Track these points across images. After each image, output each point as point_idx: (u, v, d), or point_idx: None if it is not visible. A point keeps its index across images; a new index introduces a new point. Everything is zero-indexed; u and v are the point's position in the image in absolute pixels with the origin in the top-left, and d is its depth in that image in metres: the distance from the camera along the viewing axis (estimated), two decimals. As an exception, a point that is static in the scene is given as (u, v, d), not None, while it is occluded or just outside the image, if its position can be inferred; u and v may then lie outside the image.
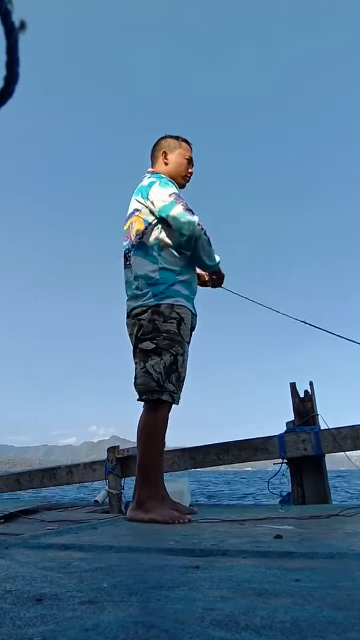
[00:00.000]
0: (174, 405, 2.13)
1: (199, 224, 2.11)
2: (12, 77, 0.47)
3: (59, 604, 0.67)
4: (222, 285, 2.49)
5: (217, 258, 2.28)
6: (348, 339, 2.69)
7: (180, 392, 2.15)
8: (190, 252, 2.18)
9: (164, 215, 2.14)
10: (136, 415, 2.16)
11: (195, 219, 2.11)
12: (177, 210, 2.11)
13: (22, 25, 0.44)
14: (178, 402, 2.13)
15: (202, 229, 2.13)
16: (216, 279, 2.42)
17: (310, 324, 2.75)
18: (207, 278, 2.48)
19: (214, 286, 2.48)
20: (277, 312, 2.74)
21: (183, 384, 2.16)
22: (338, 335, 2.76)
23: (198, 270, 2.39)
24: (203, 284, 2.47)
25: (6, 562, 1.04)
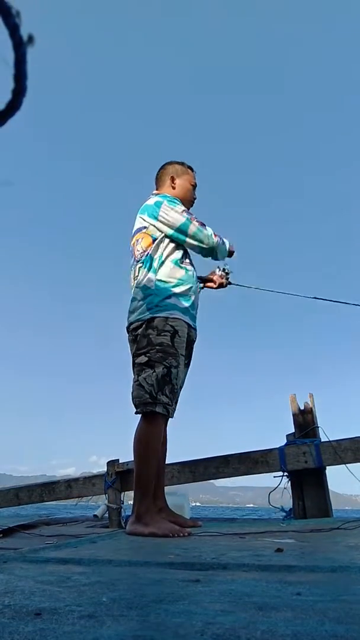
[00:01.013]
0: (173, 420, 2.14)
1: (215, 235, 2.31)
2: (20, 90, 0.48)
3: (58, 618, 0.67)
4: (231, 282, 2.59)
5: (227, 245, 2.41)
6: None
7: (175, 404, 2.16)
8: (213, 258, 2.41)
9: (181, 232, 2.25)
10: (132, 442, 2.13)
11: (210, 231, 2.30)
12: (194, 227, 2.26)
13: (30, 38, 0.45)
14: (173, 414, 2.14)
15: (220, 238, 2.34)
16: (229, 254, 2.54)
17: (322, 299, 2.74)
18: (222, 280, 2.56)
19: (220, 287, 2.56)
20: (287, 293, 2.79)
21: (178, 397, 2.18)
22: (353, 304, 2.70)
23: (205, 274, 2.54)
24: (219, 286, 2.58)
25: (5, 576, 1.03)
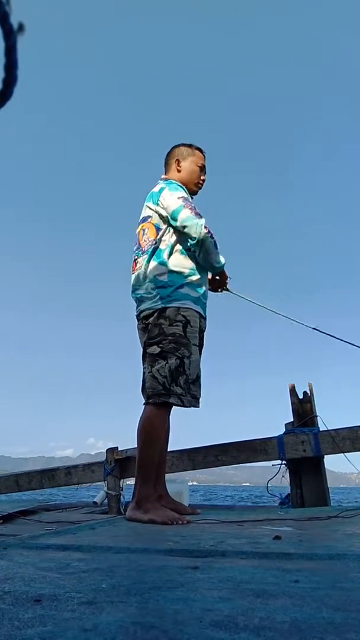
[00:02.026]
0: (188, 408, 2.14)
1: (205, 227, 2.17)
2: (11, 79, 0.47)
3: (58, 604, 0.67)
4: (228, 289, 2.55)
5: (222, 260, 2.32)
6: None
7: (198, 393, 2.16)
8: (197, 254, 2.23)
9: (172, 218, 2.19)
10: (133, 428, 2.17)
11: (201, 221, 2.17)
12: (185, 214, 2.16)
13: (21, 27, 0.44)
14: (189, 404, 2.12)
15: (209, 232, 2.19)
16: (219, 279, 2.48)
17: (321, 332, 2.75)
18: (211, 281, 2.52)
19: (214, 290, 2.53)
20: (287, 317, 2.75)
21: (200, 386, 2.17)
22: (351, 344, 2.73)
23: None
24: (213, 290, 2.53)
25: (5, 562, 1.04)
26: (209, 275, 2.47)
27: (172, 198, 2.22)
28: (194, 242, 2.18)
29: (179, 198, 2.22)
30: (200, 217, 2.20)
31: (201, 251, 2.21)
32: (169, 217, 2.21)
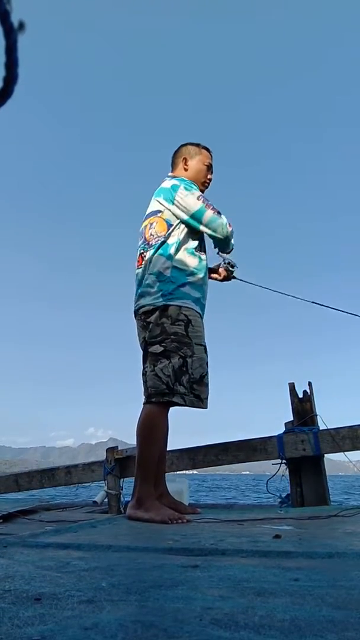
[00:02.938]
0: (192, 408, 2.14)
1: (229, 225, 2.30)
2: (11, 77, 0.47)
3: (58, 603, 0.67)
4: (234, 275, 2.58)
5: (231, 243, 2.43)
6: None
7: (204, 393, 2.15)
8: (221, 248, 2.42)
9: (196, 219, 2.23)
10: (133, 418, 2.15)
11: (225, 220, 2.28)
12: (209, 215, 2.24)
13: (21, 25, 0.44)
14: (191, 404, 2.11)
15: (232, 230, 2.33)
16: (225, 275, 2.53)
17: (320, 304, 2.76)
18: (220, 272, 2.55)
19: (224, 279, 2.56)
20: (287, 295, 2.78)
21: (206, 385, 2.17)
22: (350, 313, 2.73)
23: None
24: (223, 279, 2.56)
25: (5, 561, 1.04)
26: (218, 267, 2.54)
27: (192, 198, 2.23)
28: (220, 239, 2.32)
29: (198, 198, 2.24)
30: (220, 214, 2.27)
31: (227, 247, 2.40)
32: (190, 218, 2.22)
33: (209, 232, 2.26)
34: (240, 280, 2.60)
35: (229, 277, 2.56)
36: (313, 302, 2.74)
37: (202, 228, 2.24)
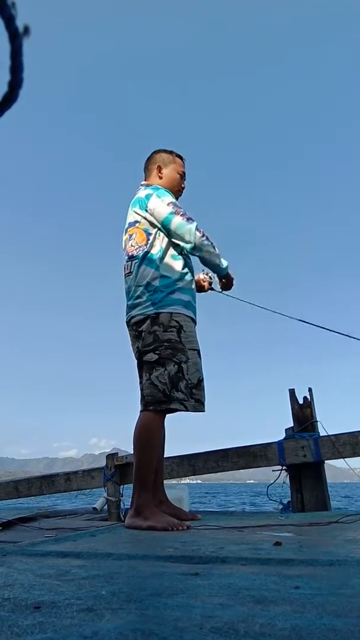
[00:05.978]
0: (188, 413, 2.13)
1: (198, 230, 2.18)
2: (16, 82, 0.47)
3: (57, 611, 0.67)
4: (213, 287, 2.54)
5: (225, 262, 2.32)
6: (347, 335, 2.67)
7: (203, 397, 2.14)
8: (199, 258, 2.26)
9: (164, 226, 2.19)
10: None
11: (193, 225, 2.17)
12: (177, 221, 2.17)
13: (26, 30, 0.45)
14: (193, 409, 2.10)
15: (203, 235, 2.19)
16: (226, 282, 2.46)
17: (306, 322, 2.77)
18: (204, 284, 2.51)
19: (202, 289, 2.53)
20: (274, 312, 2.76)
21: (203, 389, 2.16)
22: (336, 332, 2.74)
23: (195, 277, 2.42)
24: (200, 289, 2.50)
25: (4, 569, 1.04)
26: (197, 276, 2.47)
27: (161, 205, 2.20)
28: (191, 247, 2.19)
29: (168, 204, 2.20)
30: (192, 221, 2.19)
31: (202, 255, 2.23)
32: (161, 226, 2.20)
33: (177, 239, 2.19)
34: (219, 292, 2.52)
35: (205, 288, 2.53)
36: (301, 320, 2.73)
37: (172, 235, 2.20)
